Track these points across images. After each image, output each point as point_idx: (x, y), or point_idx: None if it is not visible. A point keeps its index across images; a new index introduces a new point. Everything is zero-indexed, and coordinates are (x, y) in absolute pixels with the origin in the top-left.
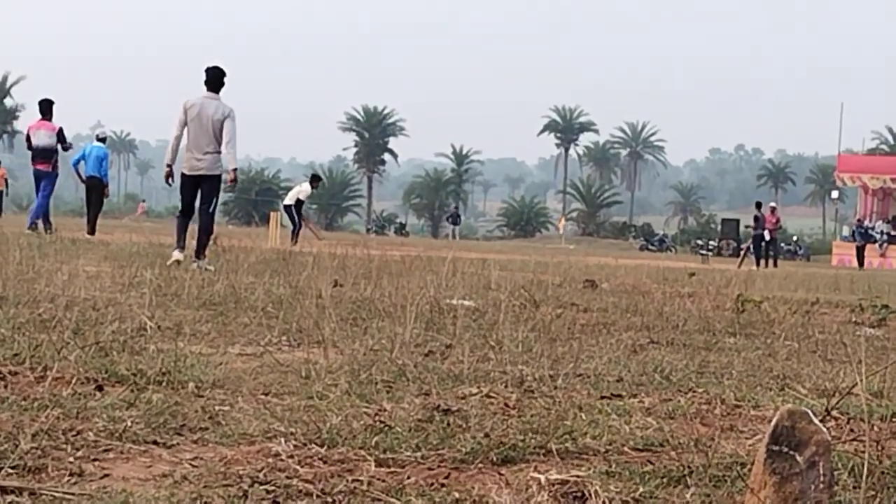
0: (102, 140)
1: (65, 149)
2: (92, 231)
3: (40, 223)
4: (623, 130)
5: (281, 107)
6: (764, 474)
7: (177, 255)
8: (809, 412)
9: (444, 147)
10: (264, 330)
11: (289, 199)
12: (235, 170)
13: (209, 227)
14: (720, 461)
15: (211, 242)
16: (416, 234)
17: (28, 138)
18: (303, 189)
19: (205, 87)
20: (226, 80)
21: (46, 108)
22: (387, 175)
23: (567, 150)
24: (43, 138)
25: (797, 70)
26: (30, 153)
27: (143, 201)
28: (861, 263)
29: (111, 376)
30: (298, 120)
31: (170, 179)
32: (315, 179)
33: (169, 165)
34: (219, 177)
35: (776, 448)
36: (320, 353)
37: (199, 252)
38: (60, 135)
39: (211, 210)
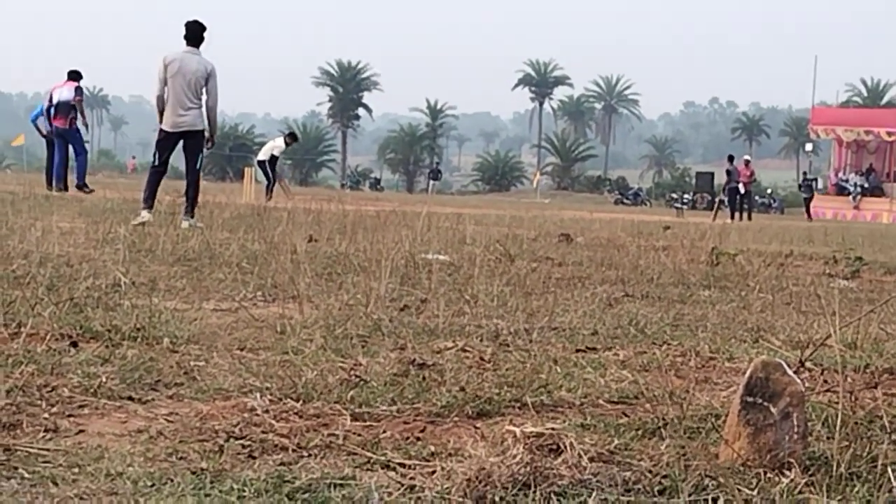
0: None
1: (78, 101)
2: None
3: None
4: (597, 84)
5: (255, 61)
6: (738, 426)
7: (144, 215)
8: (783, 363)
9: (419, 102)
10: (239, 285)
11: (263, 155)
12: (214, 136)
13: (197, 183)
14: (695, 413)
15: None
16: (391, 189)
17: (50, 98)
18: (277, 144)
19: (184, 42)
20: (206, 34)
21: (74, 76)
22: (361, 130)
23: (542, 104)
24: (63, 93)
25: (771, 23)
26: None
27: (134, 157)
28: (809, 215)
29: (86, 332)
30: (272, 74)
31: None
32: (290, 136)
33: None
34: (202, 132)
35: (750, 399)
36: (295, 308)
37: (191, 209)
38: (78, 91)
39: (198, 166)
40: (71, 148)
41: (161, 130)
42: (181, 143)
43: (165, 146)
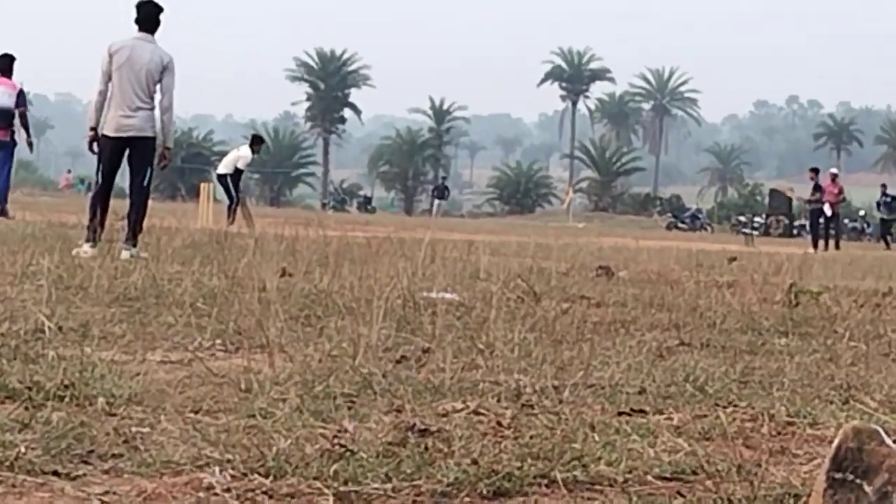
0: None
1: (21, 113)
2: None
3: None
4: (645, 79)
5: (214, 51)
6: None
7: (87, 249)
8: (881, 430)
9: (420, 101)
10: (193, 331)
11: (224, 168)
12: (169, 149)
13: (144, 204)
14: (768, 492)
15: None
16: (385, 211)
17: None
18: (242, 155)
19: (135, 27)
20: (162, 17)
21: (7, 64)
22: (347, 136)
23: (575, 103)
24: (2, 98)
25: (865, 3)
26: None
27: (69, 171)
28: (887, 243)
29: (0, 390)
30: (236, 68)
31: (94, 145)
32: (257, 142)
33: (94, 129)
34: (153, 140)
35: (839, 476)
36: (264, 359)
37: (132, 236)
38: (21, 97)
39: (146, 183)
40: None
41: (101, 136)
42: (127, 152)
43: (110, 156)
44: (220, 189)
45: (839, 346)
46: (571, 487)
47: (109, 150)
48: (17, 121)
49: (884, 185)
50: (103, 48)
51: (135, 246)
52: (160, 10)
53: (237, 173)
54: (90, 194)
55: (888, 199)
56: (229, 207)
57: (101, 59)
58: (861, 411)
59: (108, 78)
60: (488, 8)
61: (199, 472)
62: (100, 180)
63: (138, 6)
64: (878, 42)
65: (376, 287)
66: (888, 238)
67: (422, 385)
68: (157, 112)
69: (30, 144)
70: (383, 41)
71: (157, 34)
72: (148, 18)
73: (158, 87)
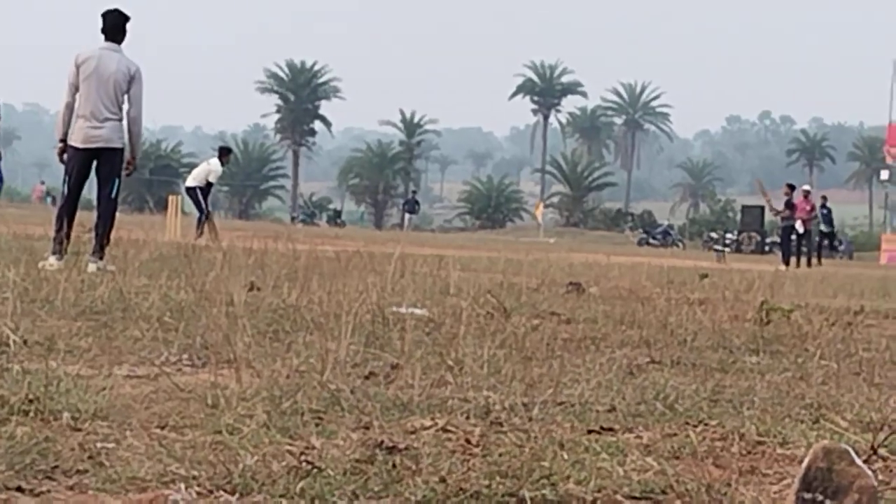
0: None
1: None
2: None
3: None
4: (618, 93)
5: (183, 61)
6: None
7: (54, 262)
8: (851, 450)
9: (391, 114)
10: (160, 345)
11: (193, 180)
12: (135, 158)
13: (112, 216)
14: None
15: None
16: (355, 225)
17: None
18: (212, 168)
19: (102, 37)
20: (129, 26)
21: None
22: (317, 149)
23: (546, 117)
24: None
25: (837, 20)
26: None
27: (43, 182)
28: (819, 257)
29: None
30: (205, 78)
31: (64, 156)
32: (225, 153)
33: (63, 140)
34: (121, 151)
35: (808, 496)
36: (231, 375)
37: (99, 249)
38: None
39: (113, 194)
40: None
41: (69, 147)
42: (94, 163)
43: (78, 167)
44: (189, 201)
45: (810, 364)
46: None
47: (77, 161)
48: None
49: (824, 197)
50: (70, 59)
51: (102, 259)
52: (126, 19)
53: (207, 186)
54: (56, 206)
55: (825, 212)
56: (199, 220)
57: (68, 71)
58: (831, 431)
59: (76, 89)
60: (460, 21)
61: (165, 489)
62: (66, 192)
63: (104, 15)
64: (850, 59)
65: (345, 302)
66: (820, 252)
67: (390, 402)
68: (124, 122)
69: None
70: (354, 53)
71: (124, 44)
72: (114, 28)
73: (126, 97)
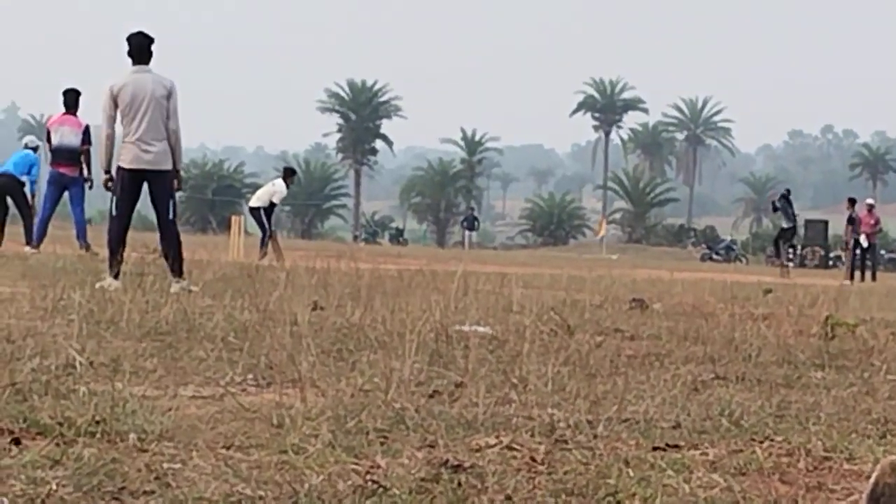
0: (34, 149)
1: (85, 151)
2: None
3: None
4: (679, 109)
5: (244, 82)
6: None
7: (111, 282)
8: None
9: (452, 132)
10: (225, 366)
11: (258, 201)
12: (179, 171)
13: (177, 236)
14: None
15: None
16: (417, 243)
17: (48, 136)
18: (277, 189)
19: (130, 61)
20: (154, 47)
21: (73, 100)
22: (379, 168)
23: (608, 134)
24: (68, 136)
25: None
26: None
27: None
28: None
29: (31, 426)
30: (267, 98)
31: (109, 184)
32: (290, 173)
33: (108, 171)
34: (170, 172)
35: None
36: (296, 394)
37: (178, 270)
38: (87, 134)
39: (171, 216)
40: (69, 199)
41: (119, 169)
42: (147, 187)
43: (129, 189)
44: (252, 222)
45: (876, 379)
46: None
47: (127, 181)
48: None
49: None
50: (104, 90)
51: (183, 278)
52: (151, 40)
53: (271, 207)
54: (108, 228)
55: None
56: (262, 241)
57: (104, 102)
58: None
59: (114, 120)
60: (520, 38)
61: None
62: (115, 213)
63: (129, 39)
64: None
65: (409, 320)
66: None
67: (455, 420)
68: (170, 141)
69: (90, 182)
70: (415, 72)
71: (152, 62)
72: (140, 50)
73: (169, 114)
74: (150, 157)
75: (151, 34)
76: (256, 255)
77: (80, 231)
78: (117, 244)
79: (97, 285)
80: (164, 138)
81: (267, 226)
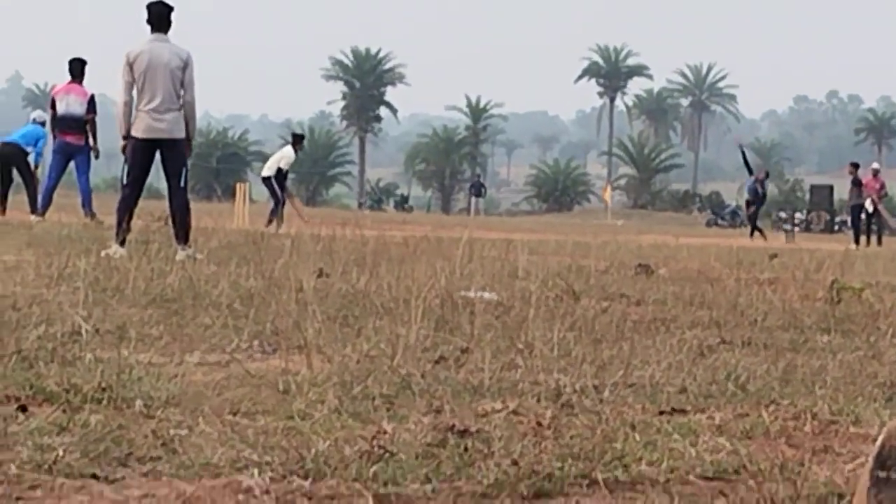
0: (41, 124)
1: (86, 121)
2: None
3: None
4: (683, 75)
5: (248, 50)
6: None
7: (117, 250)
8: None
9: (457, 99)
10: (230, 332)
11: (268, 170)
12: (191, 140)
13: (186, 205)
14: (812, 492)
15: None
16: (422, 210)
17: (53, 104)
18: (285, 155)
19: (148, 29)
20: (173, 16)
21: (78, 69)
22: (384, 135)
23: (612, 100)
24: (73, 105)
25: None
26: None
27: None
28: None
29: (37, 393)
30: (271, 66)
31: (124, 152)
32: (298, 139)
33: (125, 138)
34: (183, 141)
35: (883, 474)
36: (302, 361)
37: (184, 237)
38: (92, 103)
39: (183, 184)
40: (74, 167)
41: (132, 138)
42: (159, 155)
43: (141, 159)
44: (265, 191)
45: (882, 343)
46: (612, 488)
47: (140, 151)
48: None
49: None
50: (122, 58)
51: (189, 246)
52: (171, 9)
53: (280, 174)
54: (119, 196)
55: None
56: (273, 210)
57: (122, 69)
58: None
59: (132, 86)
60: (525, 5)
61: (238, 475)
62: (127, 182)
63: (149, 7)
64: None
65: (414, 287)
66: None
67: (461, 385)
68: (184, 112)
69: (95, 151)
70: (419, 39)
71: (170, 32)
72: (160, 19)
73: (184, 85)
74: (164, 126)
75: (171, 3)
76: (271, 223)
77: (86, 199)
78: (125, 213)
79: (102, 253)
80: (178, 108)
81: (280, 194)
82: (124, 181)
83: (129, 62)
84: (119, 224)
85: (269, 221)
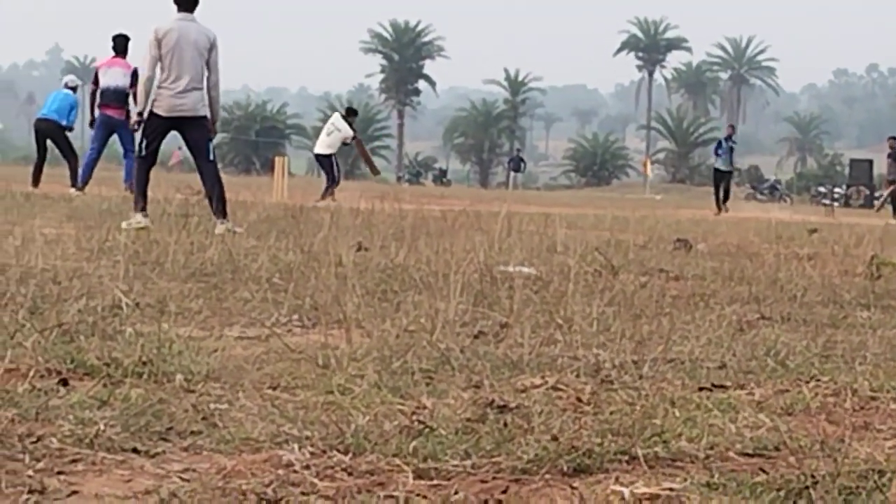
0: (73, 89)
1: (133, 89)
2: (75, 182)
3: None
4: (723, 48)
5: (286, 22)
6: None
7: (141, 219)
8: None
9: (495, 72)
10: (270, 307)
11: (328, 148)
12: (216, 123)
13: (218, 178)
14: (852, 468)
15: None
16: (461, 184)
17: (96, 78)
18: (344, 132)
19: (175, 8)
20: None
21: (122, 44)
22: (422, 109)
23: (651, 73)
24: (117, 77)
25: None
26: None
27: (180, 148)
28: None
29: (78, 367)
30: (310, 39)
31: (137, 126)
32: (351, 113)
33: (140, 113)
34: (205, 118)
35: None
36: (341, 335)
37: (222, 211)
38: (135, 76)
39: (211, 157)
40: (119, 143)
41: (152, 115)
42: (179, 133)
43: (156, 134)
44: (304, 165)
45: None
46: (652, 464)
47: (160, 128)
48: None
49: (731, 127)
50: (150, 32)
51: (227, 219)
52: None
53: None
54: (136, 167)
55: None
56: (327, 188)
57: (149, 44)
58: None
59: (157, 62)
60: None
61: (278, 450)
62: (143, 154)
63: None
64: None
65: (453, 261)
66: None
67: (500, 361)
68: (209, 94)
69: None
70: (458, 12)
71: (196, 12)
72: None
73: (209, 66)
74: (188, 104)
75: None
76: (326, 199)
77: (129, 173)
78: (146, 183)
79: (124, 224)
80: (202, 87)
81: (336, 173)
82: (143, 153)
83: (157, 38)
84: (143, 194)
85: (322, 198)
